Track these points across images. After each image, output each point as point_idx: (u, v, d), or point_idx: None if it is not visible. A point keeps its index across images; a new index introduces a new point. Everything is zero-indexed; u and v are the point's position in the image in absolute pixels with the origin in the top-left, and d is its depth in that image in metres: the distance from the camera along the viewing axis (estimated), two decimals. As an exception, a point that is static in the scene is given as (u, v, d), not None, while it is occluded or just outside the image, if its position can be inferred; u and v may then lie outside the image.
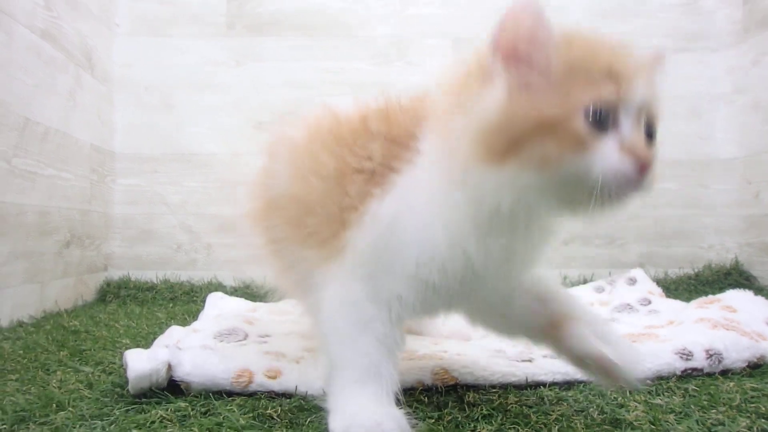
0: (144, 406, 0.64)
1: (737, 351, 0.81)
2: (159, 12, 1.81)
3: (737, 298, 1.04)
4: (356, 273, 0.59)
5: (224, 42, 1.83)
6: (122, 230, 1.78)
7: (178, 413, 0.62)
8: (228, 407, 0.64)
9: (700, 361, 0.79)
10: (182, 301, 1.61)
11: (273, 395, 0.69)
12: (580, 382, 0.75)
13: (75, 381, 0.75)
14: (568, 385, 0.74)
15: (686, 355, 0.79)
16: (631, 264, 1.88)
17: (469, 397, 0.69)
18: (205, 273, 1.77)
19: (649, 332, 0.96)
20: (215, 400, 0.66)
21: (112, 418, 0.61)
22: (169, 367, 0.68)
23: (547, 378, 0.75)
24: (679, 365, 0.78)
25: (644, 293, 1.28)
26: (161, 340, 0.94)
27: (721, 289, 1.22)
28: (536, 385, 0.74)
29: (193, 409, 0.63)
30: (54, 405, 0.64)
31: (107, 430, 0.58)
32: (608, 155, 0.47)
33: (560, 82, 0.48)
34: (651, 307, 1.22)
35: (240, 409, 0.63)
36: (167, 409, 0.62)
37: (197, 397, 0.67)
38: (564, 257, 1.87)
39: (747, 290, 1.09)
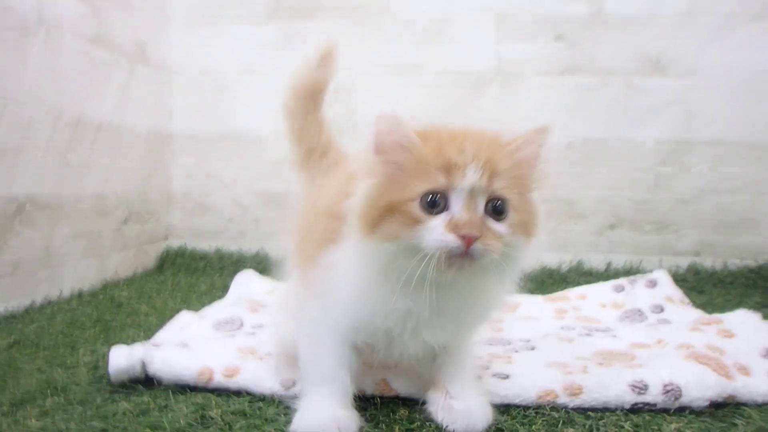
0: (119, 395, 0.77)
1: (700, 389, 0.77)
2: (209, 0, 1.91)
3: (740, 321, 0.97)
4: (317, 300, 0.73)
5: (270, 26, 1.88)
6: (182, 203, 1.96)
7: (140, 407, 0.73)
8: (183, 404, 0.74)
9: (654, 396, 0.77)
10: (229, 271, 1.77)
11: (230, 393, 0.79)
12: (519, 406, 0.77)
13: (84, 364, 0.90)
14: (506, 408, 0.76)
15: (640, 389, 0.78)
16: (685, 252, 1.76)
17: (399, 412, 0.74)
18: (253, 244, 1.92)
19: (627, 352, 0.93)
20: (180, 394, 0.77)
21: (90, 407, 0.74)
22: (144, 364, 0.80)
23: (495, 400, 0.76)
24: (629, 398, 0.77)
25: (660, 299, 1.21)
26: (170, 325, 1.08)
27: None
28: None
29: (154, 404, 0.74)
30: (51, 389, 0.78)
31: (83, 416, 0.71)
32: (434, 231, 0.59)
33: (409, 174, 0.61)
34: (662, 316, 1.17)
35: (192, 407, 0.73)
36: (133, 402, 0.74)
37: (167, 390, 0.79)
38: (609, 242, 1.78)
39: (757, 312, 1.01)
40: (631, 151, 1.75)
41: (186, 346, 0.86)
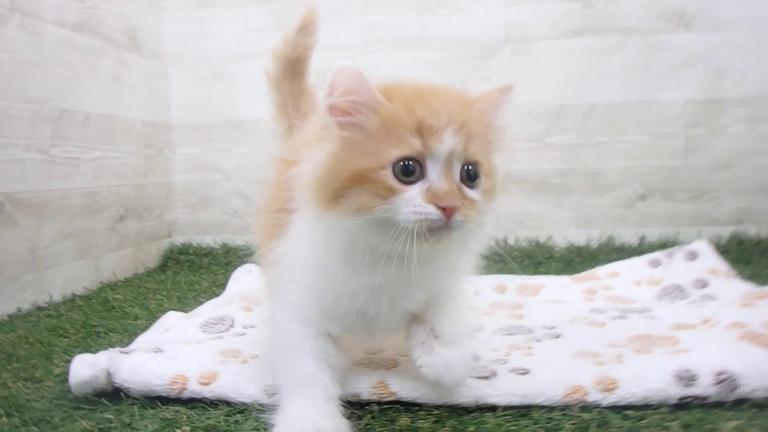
0: (81, 412, 0.68)
1: (760, 376, 0.65)
2: (200, -18, 1.81)
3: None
4: (278, 297, 0.69)
5: (267, 7, 1.79)
6: (184, 197, 1.88)
7: (100, 426, 0.64)
8: (149, 420, 0.65)
9: (704, 388, 0.64)
10: (235, 266, 1.69)
11: (206, 404, 0.69)
12: (542, 407, 0.65)
13: (54, 376, 0.81)
14: (526, 410, 0.65)
15: (687, 379, 0.65)
16: (725, 221, 1.62)
17: (400, 420, 0.63)
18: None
19: (669, 335, 0.80)
20: (148, 408, 0.68)
21: (47, 427, 0.65)
22: (109, 374, 0.71)
23: (501, 401, 0.66)
24: (675, 392, 0.64)
25: (702, 273, 1.07)
26: (154, 328, 0.99)
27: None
28: (489, 408, 0.66)
29: (117, 421, 0.65)
30: (8, 407, 0.70)
31: (39, 437, 0.62)
32: (411, 201, 0.53)
33: (376, 138, 0.55)
34: (706, 291, 1.03)
35: (158, 424, 0.64)
36: (94, 420, 0.65)
37: (134, 404, 0.69)
38: (640, 214, 1.65)
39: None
40: (657, 114, 1.62)
41: (159, 351, 0.77)
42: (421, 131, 0.54)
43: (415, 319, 0.66)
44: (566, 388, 0.65)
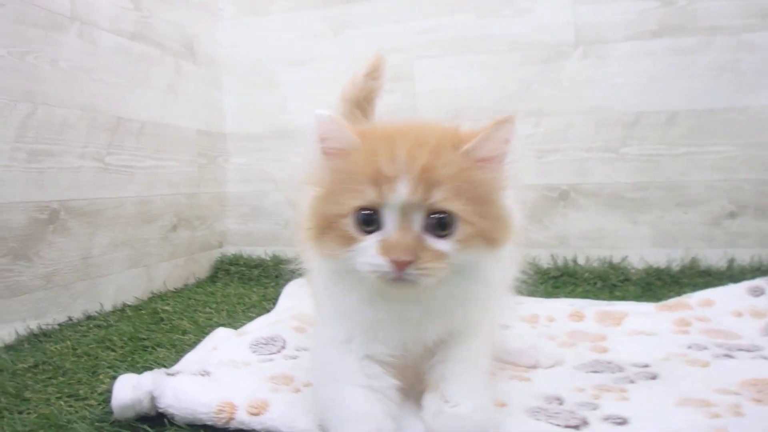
0: (121, 439, 0.62)
1: None
2: (255, -10, 1.80)
3: None
4: (320, 314, 0.67)
5: (320, 13, 1.75)
6: (236, 207, 1.86)
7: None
8: (193, 453, 0.58)
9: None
10: (285, 280, 1.63)
11: (255, 436, 0.62)
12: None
13: (98, 394, 0.76)
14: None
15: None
16: (829, 242, 1.42)
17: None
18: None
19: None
20: (193, 438, 0.62)
21: (85, 453, 0.60)
22: (152, 398, 0.65)
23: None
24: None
25: (818, 303, 0.92)
26: (202, 345, 0.93)
27: None
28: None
29: (158, 452, 0.59)
30: (48, 428, 0.65)
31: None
32: (366, 252, 0.53)
33: (343, 185, 0.54)
34: (825, 325, 0.88)
35: (203, 457, 0.57)
36: (133, 449, 0.59)
37: (179, 430, 0.63)
38: (729, 233, 1.47)
39: None
40: (747, 121, 1.45)
41: (206, 375, 0.70)
42: (378, 180, 0.52)
43: (428, 387, 0.61)
44: (674, 445, 0.54)
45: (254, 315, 1.18)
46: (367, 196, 0.53)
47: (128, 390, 0.66)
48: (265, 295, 1.44)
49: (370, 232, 0.53)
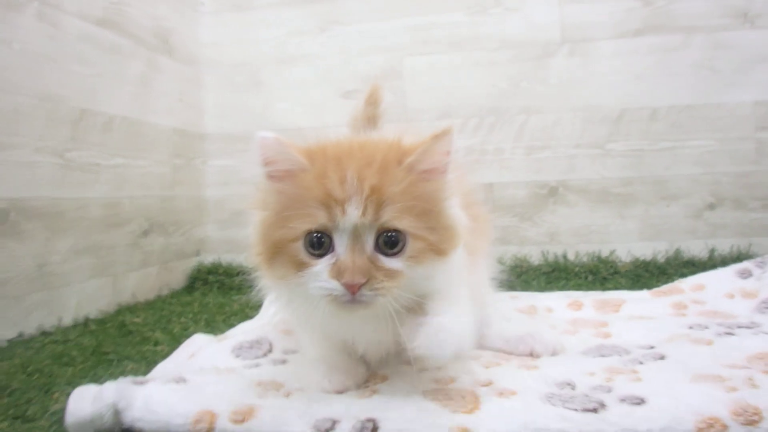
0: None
1: None
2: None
3: None
4: None
5: (307, 8, 1.67)
6: (215, 213, 1.74)
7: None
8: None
9: None
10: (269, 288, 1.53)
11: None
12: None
13: (50, 414, 0.64)
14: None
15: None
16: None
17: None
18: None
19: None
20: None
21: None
22: (116, 411, 0.54)
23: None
24: None
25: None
26: (177, 353, 0.82)
27: None
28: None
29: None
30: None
31: None
32: (318, 276, 0.53)
33: (292, 208, 0.53)
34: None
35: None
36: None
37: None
38: (709, 225, 1.49)
39: None
40: (724, 117, 1.49)
41: (182, 381, 0.59)
42: (327, 203, 0.52)
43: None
44: (699, 420, 0.50)
45: (236, 323, 1.07)
46: (318, 220, 0.52)
47: (86, 403, 0.54)
48: (248, 304, 1.31)
49: (321, 256, 0.53)
